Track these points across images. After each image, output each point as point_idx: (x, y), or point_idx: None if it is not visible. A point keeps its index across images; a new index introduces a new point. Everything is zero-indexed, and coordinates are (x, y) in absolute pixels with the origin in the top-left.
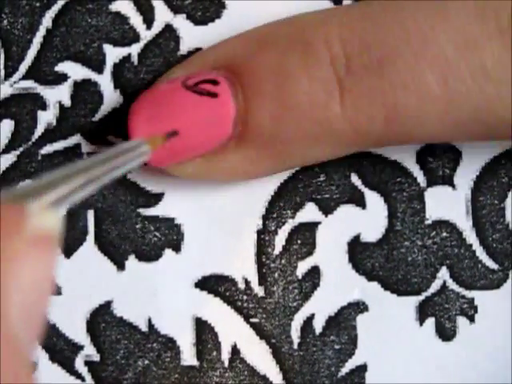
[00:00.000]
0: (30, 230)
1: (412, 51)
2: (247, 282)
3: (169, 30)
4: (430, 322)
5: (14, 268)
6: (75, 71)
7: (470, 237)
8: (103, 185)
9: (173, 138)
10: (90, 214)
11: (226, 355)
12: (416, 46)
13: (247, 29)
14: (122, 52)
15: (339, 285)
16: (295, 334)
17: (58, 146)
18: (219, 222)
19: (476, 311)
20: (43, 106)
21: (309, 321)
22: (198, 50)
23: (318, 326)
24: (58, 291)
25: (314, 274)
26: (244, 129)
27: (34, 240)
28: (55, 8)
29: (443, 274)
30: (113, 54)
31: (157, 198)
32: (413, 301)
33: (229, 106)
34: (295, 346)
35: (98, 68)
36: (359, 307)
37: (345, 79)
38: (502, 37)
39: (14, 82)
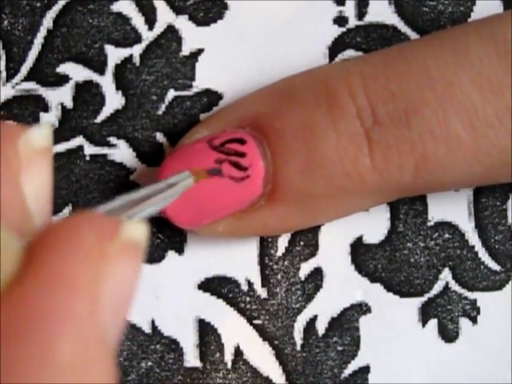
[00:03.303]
0: (123, 237)
1: (437, 98)
2: (250, 284)
3: (171, 31)
4: (433, 323)
5: (108, 270)
6: (77, 72)
7: (473, 238)
8: (156, 210)
9: (214, 175)
10: None
11: (229, 356)
12: (441, 92)
13: (249, 30)
14: (123, 53)
15: (342, 286)
16: (298, 336)
17: (61, 147)
18: None
19: (478, 312)
20: (45, 107)
21: (312, 322)
22: (200, 50)
23: (321, 327)
24: None
25: (317, 275)
26: (274, 186)
27: (125, 246)
28: (56, 8)
29: (446, 275)
30: (114, 54)
31: None
32: (415, 302)
33: (258, 165)
34: (298, 348)
35: (100, 69)
36: (362, 308)
37: (372, 131)
38: None
39: (16, 84)
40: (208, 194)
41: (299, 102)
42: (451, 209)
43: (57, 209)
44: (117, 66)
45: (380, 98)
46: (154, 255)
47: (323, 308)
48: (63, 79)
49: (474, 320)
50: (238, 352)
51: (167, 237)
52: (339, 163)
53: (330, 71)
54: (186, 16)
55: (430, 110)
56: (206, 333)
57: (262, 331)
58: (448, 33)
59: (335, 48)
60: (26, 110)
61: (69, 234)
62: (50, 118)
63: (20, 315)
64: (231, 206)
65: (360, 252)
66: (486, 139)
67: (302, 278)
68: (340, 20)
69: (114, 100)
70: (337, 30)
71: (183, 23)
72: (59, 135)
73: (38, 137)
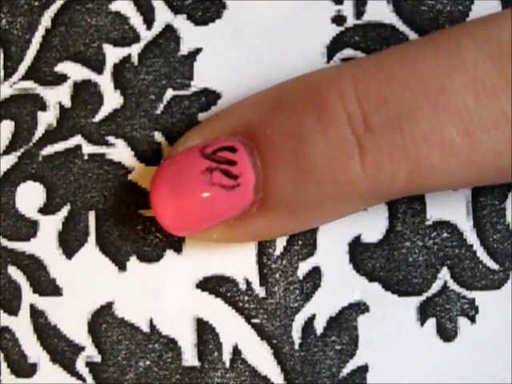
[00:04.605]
0: None
1: (431, 103)
2: (248, 283)
3: (169, 31)
4: (431, 322)
5: None
6: (75, 72)
7: (471, 237)
8: None
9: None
10: (92, 215)
11: (227, 356)
12: (434, 97)
13: (247, 29)
14: (122, 52)
15: (340, 285)
16: (296, 335)
17: (59, 146)
18: None
19: (477, 312)
20: (43, 106)
21: (310, 321)
22: (198, 50)
23: (319, 326)
24: (59, 292)
25: (315, 274)
26: (265, 194)
27: None
28: (54, 7)
29: (444, 274)
30: (113, 54)
31: None
32: (414, 301)
33: (248, 173)
34: (296, 347)
35: (98, 68)
36: (360, 308)
37: (363, 137)
38: None
39: (14, 83)
40: (200, 202)
41: (289, 108)
42: (449, 208)
43: (55, 208)
44: (115, 66)
45: (372, 103)
46: (153, 254)
47: (321, 307)
48: (61, 78)
49: (472, 319)
50: (236, 351)
51: (165, 236)
52: (329, 171)
53: (321, 76)
54: (185, 15)
55: (423, 114)
56: (204, 332)
57: (260, 330)
58: (442, 35)
59: (333, 47)
60: (24, 109)
61: None
62: (48, 118)
63: None
64: (223, 214)
65: (358, 251)
66: (480, 144)
67: (301, 277)
68: (338, 19)
69: (112, 99)
70: (335, 29)
71: (181, 22)
72: (57, 134)
73: None
